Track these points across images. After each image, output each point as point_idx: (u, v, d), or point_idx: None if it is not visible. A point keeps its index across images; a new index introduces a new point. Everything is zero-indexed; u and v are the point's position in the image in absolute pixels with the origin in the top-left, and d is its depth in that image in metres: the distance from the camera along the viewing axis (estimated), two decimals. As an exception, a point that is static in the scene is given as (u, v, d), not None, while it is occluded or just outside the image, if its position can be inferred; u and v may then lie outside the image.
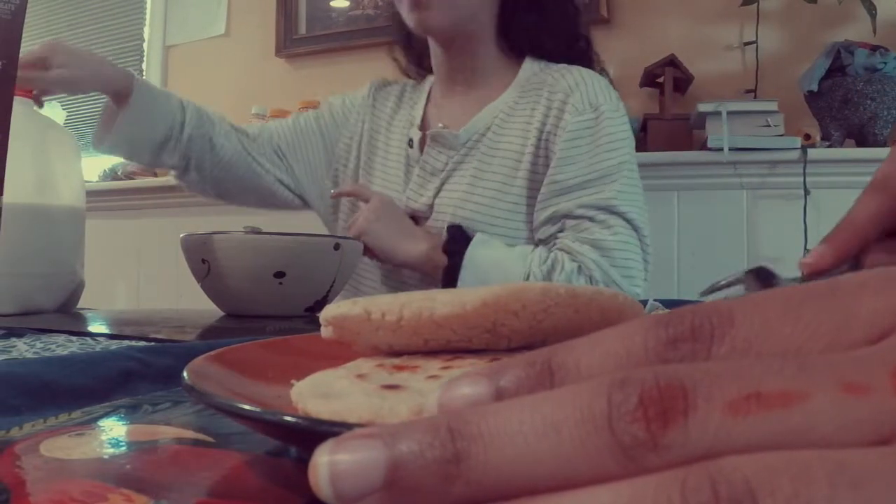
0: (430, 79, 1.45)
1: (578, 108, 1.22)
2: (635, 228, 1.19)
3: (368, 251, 1.23)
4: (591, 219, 1.18)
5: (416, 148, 1.34)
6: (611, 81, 1.33)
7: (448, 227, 1.24)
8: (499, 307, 0.32)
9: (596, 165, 1.20)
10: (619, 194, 1.19)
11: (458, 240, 1.19)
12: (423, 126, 1.38)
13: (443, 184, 1.29)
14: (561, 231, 1.21)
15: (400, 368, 0.32)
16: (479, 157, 1.27)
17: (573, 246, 1.17)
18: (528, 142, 1.25)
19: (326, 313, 0.37)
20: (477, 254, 1.18)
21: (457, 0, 1.24)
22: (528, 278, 1.15)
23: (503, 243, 1.22)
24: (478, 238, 1.19)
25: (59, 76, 1.16)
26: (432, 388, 0.28)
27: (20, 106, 0.93)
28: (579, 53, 1.37)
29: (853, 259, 0.57)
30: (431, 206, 1.29)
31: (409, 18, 1.26)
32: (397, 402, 0.27)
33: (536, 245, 1.24)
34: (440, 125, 1.33)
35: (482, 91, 1.33)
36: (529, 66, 1.34)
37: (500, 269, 1.17)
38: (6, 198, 0.75)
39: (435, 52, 1.37)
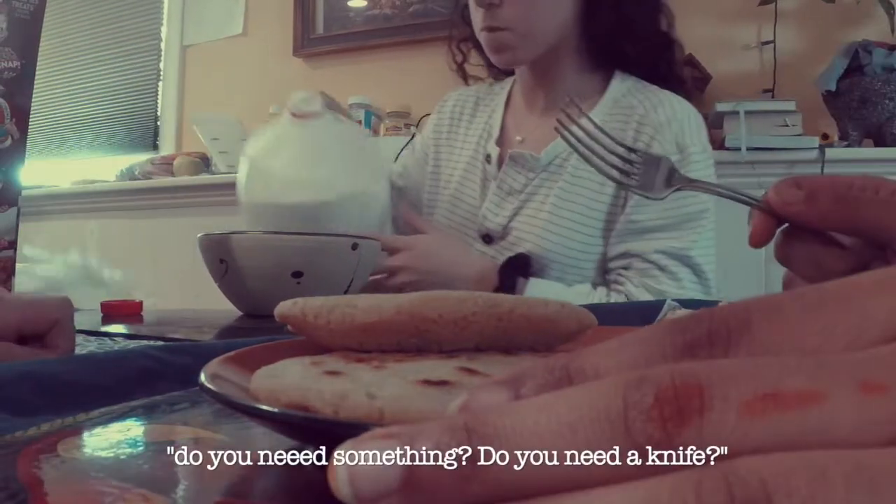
0: (509, 81, 1.41)
1: (666, 147, 1.16)
2: (704, 279, 1.16)
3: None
4: (661, 268, 1.15)
5: (493, 164, 1.31)
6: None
7: (510, 258, 1.20)
8: (415, 315, 0.33)
9: (674, 210, 1.15)
10: (693, 244, 1.15)
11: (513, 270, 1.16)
12: (502, 139, 1.34)
13: (521, 206, 1.25)
14: (626, 269, 1.18)
15: (360, 360, 0.33)
16: (562, 185, 1.22)
17: (634, 292, 1.14)
18: None
19: (277, 310, 0.38)
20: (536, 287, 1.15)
21: (538, 37, 1.20)
22: None
23: (560, 284, 1.18)
24: (532, 281, 1.16)
25: None
26: (372, 376, 0.29)
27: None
28: (666, 68, 1.30)
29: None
30: (505, 227, 1.26)
31: (491, 57, 1.25)
32: (327, 384, 0.28)
33: (605, 275, 1.22)
34: (518, 139, 1.30)
35: None
36: (619, 84, 1.27)
37: None
38: None
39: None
